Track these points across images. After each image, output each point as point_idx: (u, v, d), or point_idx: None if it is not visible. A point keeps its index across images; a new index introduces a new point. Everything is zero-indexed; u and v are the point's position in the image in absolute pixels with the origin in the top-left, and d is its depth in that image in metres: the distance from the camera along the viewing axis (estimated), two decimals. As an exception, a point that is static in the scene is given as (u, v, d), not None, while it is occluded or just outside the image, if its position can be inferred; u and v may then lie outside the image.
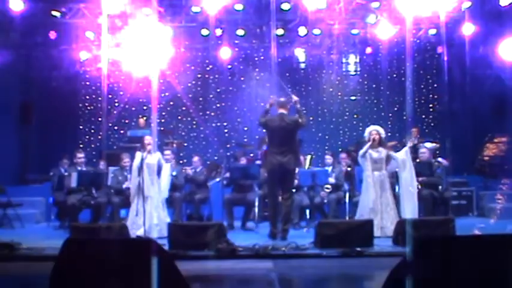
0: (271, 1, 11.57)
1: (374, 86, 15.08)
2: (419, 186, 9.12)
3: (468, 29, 12.13)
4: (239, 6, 12.32)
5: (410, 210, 8.30)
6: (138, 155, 8.41)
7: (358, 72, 15.27)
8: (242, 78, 14.82)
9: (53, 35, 12.72)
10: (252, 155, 12.45)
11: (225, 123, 14.89)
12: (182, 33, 13.91)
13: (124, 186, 9.28)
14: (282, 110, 8.39)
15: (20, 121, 12.60)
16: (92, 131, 14.64)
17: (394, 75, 14.94)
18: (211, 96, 14.96)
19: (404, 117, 14.74)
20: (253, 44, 14.17)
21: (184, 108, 14.91)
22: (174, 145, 12.39)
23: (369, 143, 8.68)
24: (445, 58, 12.57)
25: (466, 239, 3.47)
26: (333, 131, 14.88)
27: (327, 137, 14.79)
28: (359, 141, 11.96)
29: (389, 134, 9.19)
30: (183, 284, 3.57)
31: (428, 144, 10.88)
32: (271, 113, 8.43)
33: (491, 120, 12.32)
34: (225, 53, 13.74)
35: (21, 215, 10.11)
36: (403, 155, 8.69)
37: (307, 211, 9.80)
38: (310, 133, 13.88)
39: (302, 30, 13.21)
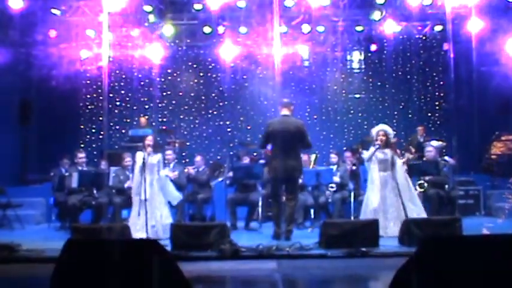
0: (274, -2, 11.58)
1: (379, 83, 15.08)
2: (426, 185, 9.11)
3: (475, 25, 12.09)
4: (242, 4, 12.33)
5: (416, 212, 8.30)
6: (140, 154, 8.41)
7: (363, 70, 15.26)
8: (245, 77, 14.82)
9: (52, 33, 12.73)
10: (255, 154, 12.46)
11: (227, 122, 14.90)
12: (184, 31, 13.93)
13: (126, 185, 9.30)
14: (285, 111, 8.35)
15: (19, 121, 12.61)
16: (93, 130, 14.67)
17: (400, 73, 14.94)
18: (213, 94, 14.98)
19: (410, 116, 14.76)
20: (256, 41, 14.17)
21: (186, 107, 14.93)
22: (176, 144, 12.40)
23: (376, 147, 8.62)
24: (452, 55, 12.54)
25: (473, 239, 3.45)
26: (338, 130, 14.88)
27: (331, 135, 14.79)
28: (364, 139, 11.97)
29: (395, 133, 9.14)
30: (186, 286, 3.56)
31: (435, 143, 10.87)
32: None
33: (499, 118, 12.29)
34: (228, 51, 13.74)
35: (21, 216, 10.11)
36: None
37: (312, 211, 9.80)
38: (314, 132, 13.86)
39: (306, 27, 13.21)
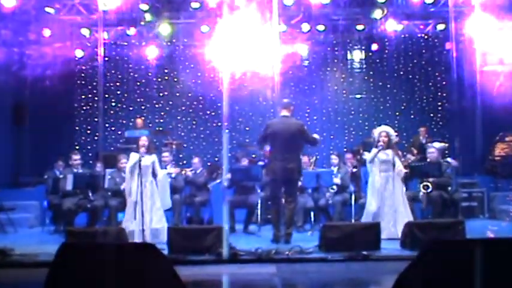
0: (273, -4, 11.56)
1: (380, 83, 15.09)
2: (429, 186, 9.10)
3: (478, 24, 12.08)
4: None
5: (406, 216, 8.35)
6: (133, 156, 8.40)
7: (364, 70, 15.26)
8: (243, 77, 14.79)
9: (46, 32, 12.72)
10: (254, 155, 12.44)
11: (225, 123, 14.86)
12: (181, 30, 13.93)
13: (122, 187, 9.28)
14: (284, 112, 8.35)
15: (13, 122, 12.58)
16: (88, 131, 14.67)
17: (401, 73, 14.95)
18: (211, 95, 14.96)
19: (412, 116, 14.76)
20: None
21: (183, 107, 14.93)
22: (173, 146, 12.39)
23: (378, 149, 8.66)
24: (454, 54, 12.54)
25: (476, 242, 3.45)
26: (338, 131, 14.88)
27: (331, 136, 14.79)
28: (365, 141, 11.97)
29: (396, 134, 9.16)
30: (183, 290, 3.56)
31: (437, 144, 10.85)
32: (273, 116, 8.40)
33: (502, 118, 12.28)
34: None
35: (14, 219, 10.10)
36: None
37: (312, 213, 9.79)
38: (314, 133, 13.85)
39: (305, 26, 13.21)
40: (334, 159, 10.13)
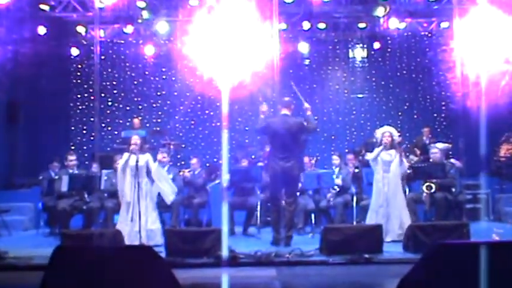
0: (274, -6, 11.58)
1: (383, 83, 15.09)
2: (433, 186, 9.10)
3: (483, 22, 12.07)
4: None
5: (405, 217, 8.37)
6: (126, 156, 8.39)
7: (366, 69, 15.26)
8: (243, 76, 14.78)
9: (41, 30, 12.72)
10: (253, 156, 12.44)
11: (224, 123, 14.85)
12: (179, 28, 13.92)
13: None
14: (285, 111, 8.36)
15: (7, 121, 12.56)
16: (84, 131, 14.68)
17: (404, 72, 14.95)
18: (210, 94, 14.95)
19: (415, 116, 14.76)
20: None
21: (182, 107, 14.93)
22: (171, 146, 12.39)
23: (381, 148, 8.70)
24: (458, 53, 12.51)
25: (481, 245, 3.45)
26: (340, 131, 14.89)
27: (333, 137, 14.79)
28: (367, 141, 11.97)
29: (399, 134, 9.16)
30: (181, 294, 3.56)
31: (440, 145, 10.85)
32: (272, 115, 8.39)
33: (508, 119, 12.28)
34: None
35: (8, 221, 10.08)
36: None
37: (312, 215, 9.77)
38: (315, 133, 13.85)
39: (306, 24, 13.21)
40: (336, 159, 10.12)
